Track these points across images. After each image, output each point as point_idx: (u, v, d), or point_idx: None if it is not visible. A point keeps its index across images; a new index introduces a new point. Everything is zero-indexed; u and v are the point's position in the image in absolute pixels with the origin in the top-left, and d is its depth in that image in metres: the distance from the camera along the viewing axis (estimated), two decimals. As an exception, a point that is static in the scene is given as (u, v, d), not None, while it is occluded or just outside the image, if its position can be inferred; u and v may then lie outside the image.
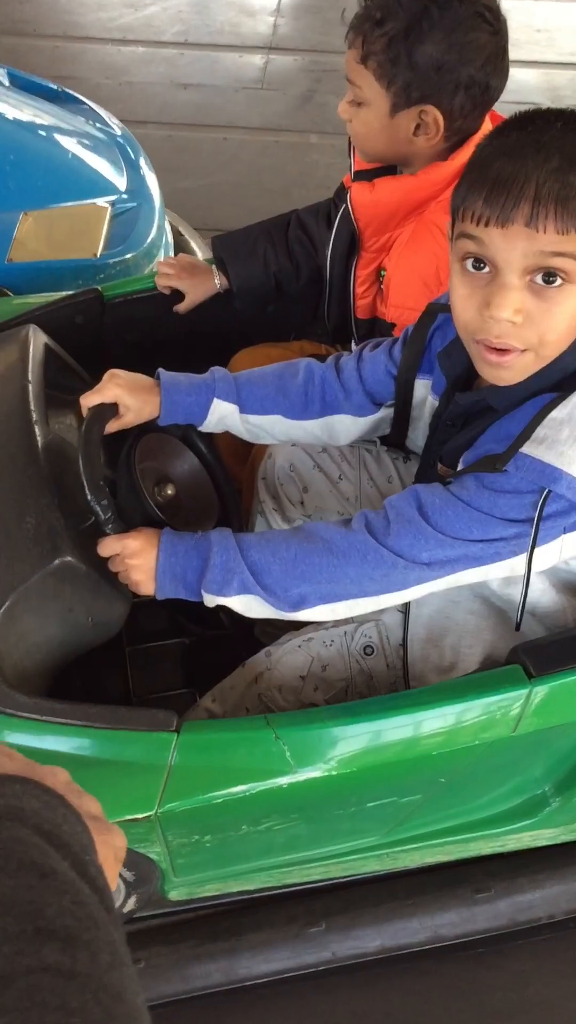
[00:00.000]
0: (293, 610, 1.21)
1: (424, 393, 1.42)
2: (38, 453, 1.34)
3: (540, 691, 1.28)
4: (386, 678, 1.46)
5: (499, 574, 1.20)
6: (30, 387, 1.42)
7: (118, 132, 2.76)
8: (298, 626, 1.50)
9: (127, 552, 1.24)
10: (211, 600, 1.22)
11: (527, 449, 1.11)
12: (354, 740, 1.28)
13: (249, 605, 1.22)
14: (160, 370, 1.45)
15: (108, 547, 1.25)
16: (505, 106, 4.20)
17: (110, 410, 1.38)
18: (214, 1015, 1.59)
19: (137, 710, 1.28)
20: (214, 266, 1.84)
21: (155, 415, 1.43)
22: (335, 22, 4.44)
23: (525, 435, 1.12)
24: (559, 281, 1.03)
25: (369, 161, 1.58)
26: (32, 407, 1.39)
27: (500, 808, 1.54)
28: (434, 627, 1.41)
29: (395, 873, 1.63)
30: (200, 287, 1.83)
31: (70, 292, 1.86)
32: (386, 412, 1.50)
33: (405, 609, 1.43)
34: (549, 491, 1.10)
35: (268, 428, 1.50)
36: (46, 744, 1.24)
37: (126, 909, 1.48)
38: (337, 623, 1.48)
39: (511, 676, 1.29)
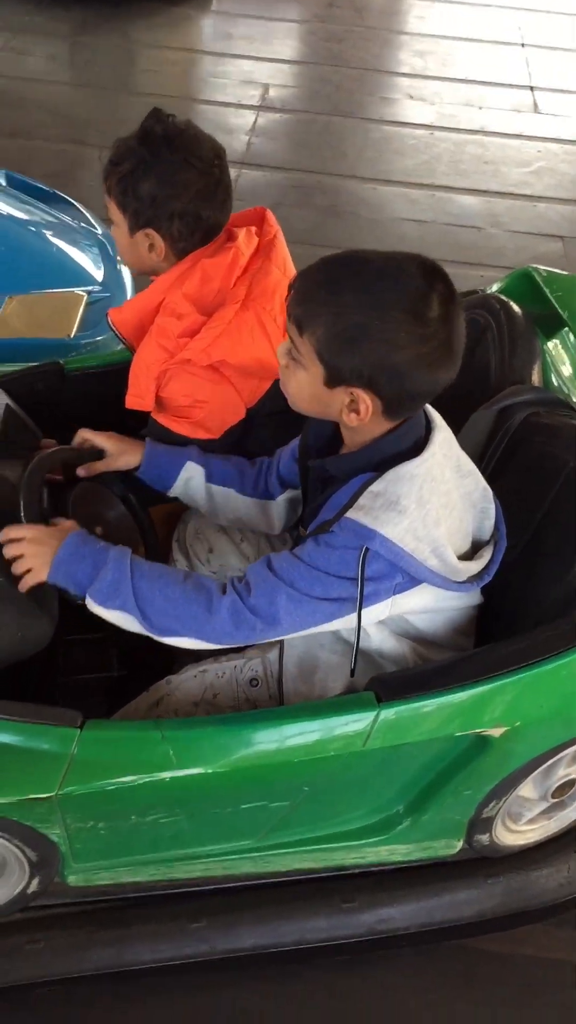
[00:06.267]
0: (161, 636, 1.47)
1: None
2: None
3: (386, 714, 1.53)
4: (267, 707, 1.71)
5: (337, 627, 1.48)
6: (-15, 437, 1.70)
7: (99, 230, 3.11)
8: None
9: (32, 536, 1.47)
10: (93, 607, 1.46)
11: (350, 514, 1.40)
12: (228, 745, 1.52)
13: (125, 621, 1.46)
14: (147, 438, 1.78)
15: (17, 530, 1.48)
16: (450, 228, 4.62)
17: (86, 454, 1.73)
18: (103, 995, 1.79)
19: (50, 708, 1.53)
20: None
21: (131, 465, 1.75)
22: (303, 144, 4.92)
23: (349, 504, 1.41)
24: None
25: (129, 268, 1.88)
26: None
27: (359, 823, 1.77)
28: (304, 665, 1.67)
29: (272, 882, 1.84)
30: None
31: (36, 363, 2.15)
32: (295, 493, 1.78)
33: (280, 650, 1.69)
34: (367, 549, 1.39)
35: (223, 499, 1.78)
36: (-30, 731, 1.48)
37: (29, 890, 1.69)
38: (229, 657, 1.74)
39: (364, 700, 1.54)
